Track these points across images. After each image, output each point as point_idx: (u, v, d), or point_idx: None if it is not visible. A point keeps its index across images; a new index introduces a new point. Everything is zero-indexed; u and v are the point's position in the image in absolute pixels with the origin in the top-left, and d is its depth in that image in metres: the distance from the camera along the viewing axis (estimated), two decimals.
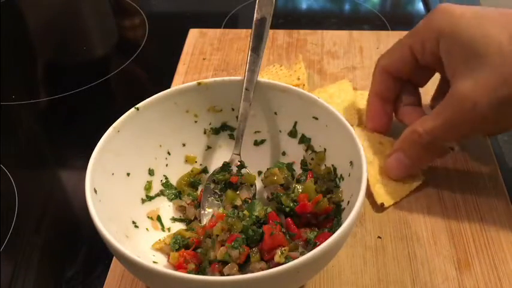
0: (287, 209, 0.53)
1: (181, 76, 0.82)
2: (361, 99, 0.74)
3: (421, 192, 0.62)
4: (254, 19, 0.59)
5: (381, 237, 0.58)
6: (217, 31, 0.91)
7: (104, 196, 0.50)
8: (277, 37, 0.89)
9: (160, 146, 0.60)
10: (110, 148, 0.53)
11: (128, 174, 0.56)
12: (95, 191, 0.49)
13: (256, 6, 0.58)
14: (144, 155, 0.58)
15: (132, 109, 0.56)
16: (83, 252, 0.60)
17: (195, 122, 0.61)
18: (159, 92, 0.58)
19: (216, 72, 0.82)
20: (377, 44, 0.87)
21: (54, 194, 0.69)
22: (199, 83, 0.59)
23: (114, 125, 0.54)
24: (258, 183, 0.60)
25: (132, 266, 0.44)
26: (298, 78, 0.72)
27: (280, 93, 0.59)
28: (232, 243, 0.49)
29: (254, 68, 0.58)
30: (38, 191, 0.69)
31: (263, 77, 0.75)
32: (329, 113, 0.55)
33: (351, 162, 0.52)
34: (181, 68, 0.84)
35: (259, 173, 0.62)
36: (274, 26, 0.83)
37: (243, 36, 0.90)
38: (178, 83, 0.81)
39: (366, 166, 0.49)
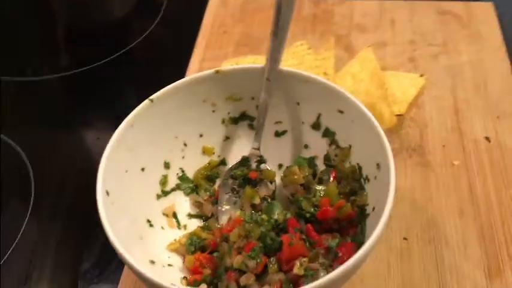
0: (307, 215, 0.50)
1: (201, 51, 0.78)
2: (392, 81, 0.69)
3: (453, 191, 0.58)
4: None
5: (406, 239, 0.55)
6: (239, 0, 0.85)
7: (117, 197, 0.48)
8: (303, 7, 0.83)
9: (176, 137, 0.57)
10: (124, 144, 0.51)
11: (143, 169, 0.54)
12: (107, 193, 0.47)
13: None
14: (159, 148, 0.55)
15: (146, 101, 0.53)
16: (98, 245, 0.59)
17: (213, 111, 0.58)
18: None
19: (237, 48, 0.78)
20: (410, 17, 0.80)
21: (70, 180, 0.67)
22: (217, 71, 0.55)
23: (127, 119, 0.52)
24: (278, 178, 0.57)
25: (144, 281, 0.43)
26: (325, 73, 0.67)
27: (303, 83, 0.55)
28: (250, 253, 0.47)
29: (276, 55, 0.54)
30: (55, 175, 0.68)
31: (287, 57, 0.70)
32: (355, 108, 0.51)
33: (378, 165, 0.49)
34: (200, 42, 0.79)
35: (280, 166, 0.58)
36: None
37: (266, 7, 0.84)
38: (197, 59, 0.77)
39: (394, 171, 0.46)
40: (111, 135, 0.50)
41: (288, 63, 0.70)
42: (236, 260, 0.47)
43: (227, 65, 0.72)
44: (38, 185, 0.65)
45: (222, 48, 0.78)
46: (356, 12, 0.82)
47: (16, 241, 0.60)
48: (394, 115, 0.65)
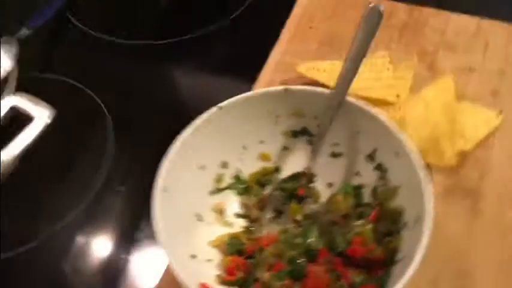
0: (338, 249, 0.53)
1: (284, 43, 0.80)
2: (466, 115, 0.67)
3: (497, 245, 0.58)
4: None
5: (435, 284, 0.56)
6: None
7: (173, 193, 0.53)
8: (395, 14, 0.81)
9: (238, 141, 0.61)
10: (188, 146, 0.56)
11: (201, 168, 0.59)
12: (165, 189, 0.53)
13: None
14: (220, 150, 0.60)
15: (214, 108, 0.57)
16: None
17: (276, 123, 0.61)
18: None
19: (320, 46, 0.79)
20: (506, 41, 0.76)
21: (148, 152, 0.72)
22: (286, 90, 0.58)
23: (194, 123, 0.56)
24: (325, 197, 0.60)
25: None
26: (398, 96, 0.67)
27: (366, 117, 0.56)
28: (277, 273, 0.51)
29: (344, 86, 0.55)
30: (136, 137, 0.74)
31: (365, 69, 0.70)
32: (409, 158, 0.53)
33: (418, 216, 0.50)
34: (285, 33, 0.81)
35: (329, 185, 0.61)
36: None
37: (360, 4, 0.82)
38: (278, 51, 0.79)
39: (429, 232, 0.47)
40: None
41: (364, 76, 0.70)
42: (265, 276, 0.52)
43: (304, 69, 0.74)
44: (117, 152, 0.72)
45: (304, 43, 0.79)
46: (450, 27, 0.79)
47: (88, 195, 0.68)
48: (457, 152, 0.64)
